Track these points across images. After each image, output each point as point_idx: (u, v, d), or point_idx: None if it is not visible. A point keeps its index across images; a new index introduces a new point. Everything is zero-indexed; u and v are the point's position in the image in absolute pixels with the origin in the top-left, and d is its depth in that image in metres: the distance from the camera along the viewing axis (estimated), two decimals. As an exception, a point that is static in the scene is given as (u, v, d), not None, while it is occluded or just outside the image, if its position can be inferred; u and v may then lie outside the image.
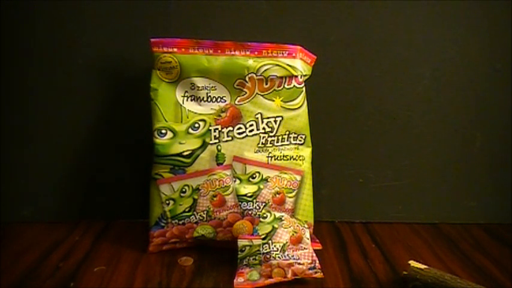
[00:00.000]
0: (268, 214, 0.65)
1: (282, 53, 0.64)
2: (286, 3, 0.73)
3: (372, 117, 0.77)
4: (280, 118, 0.65)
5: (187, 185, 0.64)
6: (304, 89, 0.66)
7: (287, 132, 0.66)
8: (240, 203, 0.66)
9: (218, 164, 0.65)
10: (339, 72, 0.75)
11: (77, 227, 0.74)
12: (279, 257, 0.60)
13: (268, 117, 0.65)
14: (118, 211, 0.77)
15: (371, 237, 0.74)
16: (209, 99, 0.64)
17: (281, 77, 0.64)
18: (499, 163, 0.79)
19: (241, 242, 0.62)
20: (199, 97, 0.64)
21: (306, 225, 0.65)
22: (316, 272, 0.60)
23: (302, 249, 0.62)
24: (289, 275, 0.60)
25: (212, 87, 0.64)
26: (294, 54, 0.65)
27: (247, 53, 0.64)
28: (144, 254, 0.66)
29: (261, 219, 0.65)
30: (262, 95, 0.65)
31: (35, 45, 0.72)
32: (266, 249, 0.61)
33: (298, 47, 0.65)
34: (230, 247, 0.64)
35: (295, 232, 0.63)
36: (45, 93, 0.74)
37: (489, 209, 0.80)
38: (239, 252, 0.61)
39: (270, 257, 0.60)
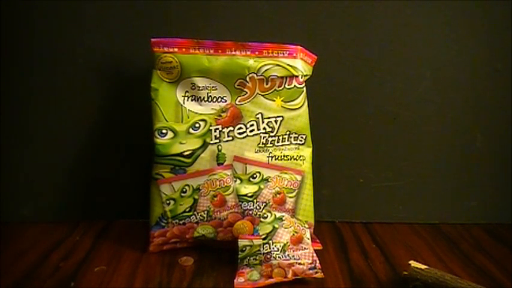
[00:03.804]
0: (269, 214, 0.65)
1: (283, 53, 0.64)
2: (286, 3, 0.73)
3: (372, 117, 0.77)
4: (281, 118, 0.65)
5: (188, 185, 0.64)
6: (304, 89, 0.66)
7: (287, 132, 0.66)
8: (241, 203, 0.66)
9: (219, 164, 0.65)
10: (339, 72, 0.75)
11: (77, 226, 0.74)
12: (279, 257, 0.60)
13: (268, 117, 0.65)
14: (118, 211, 0.77)
15: (371, 237, 0.74)
16: (210, 99, 0.64)
17: (282, 77, 0.64)
18: (499, 163, 0.79)
19: (241, 242, 0.62)
20: (200, 97, 0.64)
21: (307, 225, 0.65)
22: (316, 272, 0.60)
23: (302, 249, 0.62)
24: (290, 275, 0.60)
25: (213, 87, 0.64)
26: (294, 54, 0.65)
27: (248, 53, 0.64)
28: (144, 254, 0.66)
29: (262, 219, 0.65)
30: (262, 95, 0.65)
31: (35, 45, 0.72)
32: (266, 249, 0.61)
33: (299, 47, 0.65)
34: (230, 247, 0.64)
35: (296, 232, 0.63)
36: (45, 93, 0.74)
37: (489, 209, 0.80)
38: (239, 252, 0.61)
39: (271, 257, 0.60)
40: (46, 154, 0.75)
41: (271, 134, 0.66)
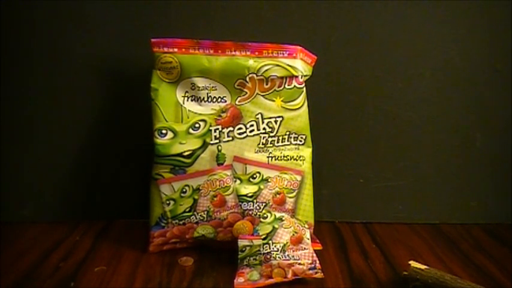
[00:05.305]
0: (269, 214, 0.65)
1: (282, 53, 0.64)
2: (286, 3, 0.73)
3: (372, 117, 0.77)
4: (281, 118, 0.65)
5: (188, 185, 0.64)
6: (304, 89, 0.66)
7: (287, 133, 0.66)
8: (241, 203, 0.66)
9: (218, 164, 0.65)
10: (339, 72, 0.75)
11: (77, 226, 0.74)
12: (279, 257, 0.60)
13: (268, 118, 0.65)
14: (118, 211, 0.77)
15: (371, 237, 0.74)
16: (209, 100, 0.64)
17: (281, 77, 0.64)
18: (499, 163, 0.79)
19: (241, 242, 0.62)
20: (200, 97, 0.64)
21: (306, 226, 0.65)
22: (316, 272, 0.60)
23: (302, 250, 0.62)
24: (290, 275, 0.59)
25: (212, 87, 0.64)
26: (294, 55, 0.65)
27: (248, 53, 0.64)
28: (144, 254, 0.66)
29: (262, 219, 0.65)
30: (262, 95, 0.65)
31: (35, 45, 0.72)
32: (266, 250, 0.61)
33: (299, 47, 0.65)
34: (230, 247, 0.64)
35: (296, 232, 0.63)
36: (45, 93, 0.74)
37: (489, 209, 0.80)
38: (239, 253, 0.61)
39: (271, 257, 0.60)
40: (46, 154, 0.75)
41: (271, 134, 0.66)
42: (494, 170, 0.79)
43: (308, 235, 0.64)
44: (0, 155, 0.75)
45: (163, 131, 0.64)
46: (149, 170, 0.66)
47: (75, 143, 0.75)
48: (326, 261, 0.65)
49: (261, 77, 0.64)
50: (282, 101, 0.65)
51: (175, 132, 0.64)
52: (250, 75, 0.64)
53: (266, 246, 0.61)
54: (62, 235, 0.71)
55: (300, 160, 0.67)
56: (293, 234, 0.63)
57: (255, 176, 0.66)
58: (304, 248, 0.62)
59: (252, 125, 0.65)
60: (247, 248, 0.61)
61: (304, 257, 0.61)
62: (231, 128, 0.65)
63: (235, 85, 0.64)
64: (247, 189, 0.66)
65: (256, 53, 0.64)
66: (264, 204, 0.66)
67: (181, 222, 0.65)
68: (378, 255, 0.68)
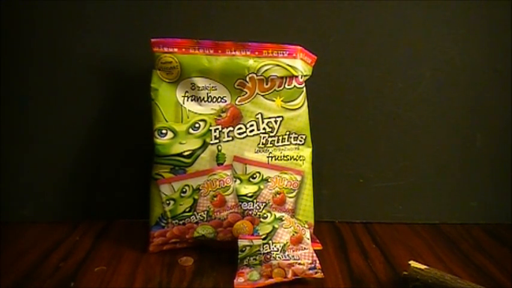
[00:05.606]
0: (269, 214, 0.65)
1: (282, 53, 0.64)
2: (286, 3, 0.73)
3: (372, 118, 0.77)
4: (281, 118, 0.65)
5: (188, 185, 0.64)
6: (304, 89, 0.66)
7: (287, 133, 0.66)
8: (241, 203, 0.66)
9: (218, 164, 0.65)
10: (339, 72, 0.75)
11: (77, 226, 0.74)
12: (279, 257, 0.60)
13: (268, 118, 0.65)
14: (118, 211, 0.77)
15: (371, 238, 0.74)
16: (209, 100, 0.64)
17: (281, 77, 0.64)
18: (499, 163, 0.79)
19: (241, 242, 0.62)
20: (200, 97, 0.64)
21: (307, 226, 0.65)
22: (316, 272, 0.60)
23: (302, 250, 0.62)
24: (290, 275, 0.60)
25: (212, 87, 0.64)
26: (294, 55, 0.65)
27: (248, 53, 0.64)
28: (144, 254, 0.66)
29: (262, 219, 0.65)
30: (262, 95, 0.65)
31: (35, 45, 0.72)
32: (266, 250, 0.61)
33: (299, 47, 0.65)
34: (230, 247, 0.64)
35: (296, 232, 0.63)
36: (45, 93, 0.74)
37: (489, 209, 0.80)
38: (239, 253, 0.61)
39: (271, 257, 0.60)
40: (46, 154, 0.75)
41: (271, 134, 0.66)
42: (494, 170, 0.79)
43: (308, 235, 0.64)
44: (0, 155, 0.75)
45: (163, 131, 0.64)
46: (149, 170, 0.66)
47: (75, 143, 0.75)
48: (326, 261, 0.65)
49: (261, 77, 0.64)
50: (282, 101, 0.65)
51: (175, 132, 0.64)
52: (250, 75, 0.64)
53: (266, 246, 0.61)
54: (62, 235, 0.71)
55: (300, 160, 0.67)
56: (293, 234, 0.63)
57: (255, 176, 0.66)
58: (304, 248, 0.62)
59: (252, 125, 0.65)
60: (247, 248, 0.62)
61: (304, 257, 0.61)
62: (231, 128, 0.65)
63: (235, 85, 0.64)
64: (247, 189, 0.66)
65: (256, 53, 0.64)
66: (264, 204, 0.66)
67: (181, 222, 0.65)
68: (378, 255, 0.68)
